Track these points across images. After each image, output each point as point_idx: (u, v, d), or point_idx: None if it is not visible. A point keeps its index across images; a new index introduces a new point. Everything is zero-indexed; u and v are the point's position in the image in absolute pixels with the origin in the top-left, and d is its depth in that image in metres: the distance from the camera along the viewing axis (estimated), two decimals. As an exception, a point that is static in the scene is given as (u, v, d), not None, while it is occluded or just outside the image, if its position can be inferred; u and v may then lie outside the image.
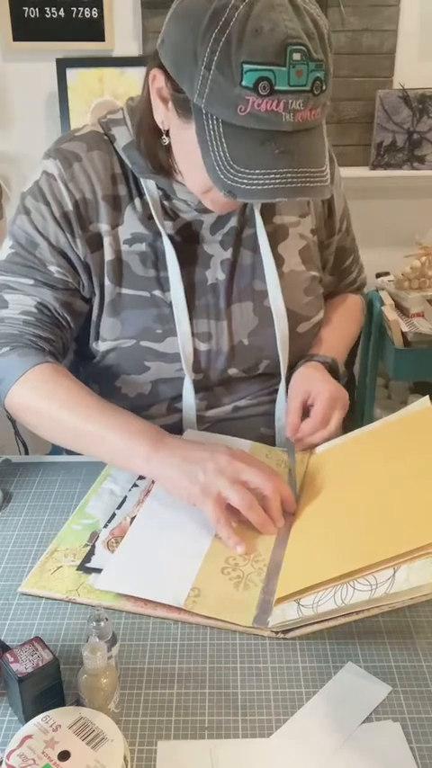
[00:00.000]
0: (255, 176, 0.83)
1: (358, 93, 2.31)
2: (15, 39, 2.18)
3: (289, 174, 0.83)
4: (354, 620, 0.74)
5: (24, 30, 2.17)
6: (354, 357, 2.55)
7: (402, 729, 0.67)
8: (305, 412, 1.07)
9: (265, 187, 0.83)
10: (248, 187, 0.83)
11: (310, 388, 1.06)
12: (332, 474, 0.97)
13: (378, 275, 2.31)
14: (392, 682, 0.72)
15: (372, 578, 0.71)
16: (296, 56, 0.79)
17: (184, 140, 0.90)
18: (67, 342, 1.10)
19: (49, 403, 0.98)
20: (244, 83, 0.79)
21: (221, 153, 0.84)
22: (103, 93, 2.20)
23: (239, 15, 0.78)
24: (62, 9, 2.15)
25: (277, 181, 0.83)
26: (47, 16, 2.16)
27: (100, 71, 2.19)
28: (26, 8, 2.15)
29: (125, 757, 0.60)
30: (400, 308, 2.19)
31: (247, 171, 0.83)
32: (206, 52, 0.80)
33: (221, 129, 0.83)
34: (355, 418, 2.45)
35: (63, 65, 2.18)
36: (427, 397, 1.01)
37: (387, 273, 2.31)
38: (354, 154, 2.35)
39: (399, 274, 2.21)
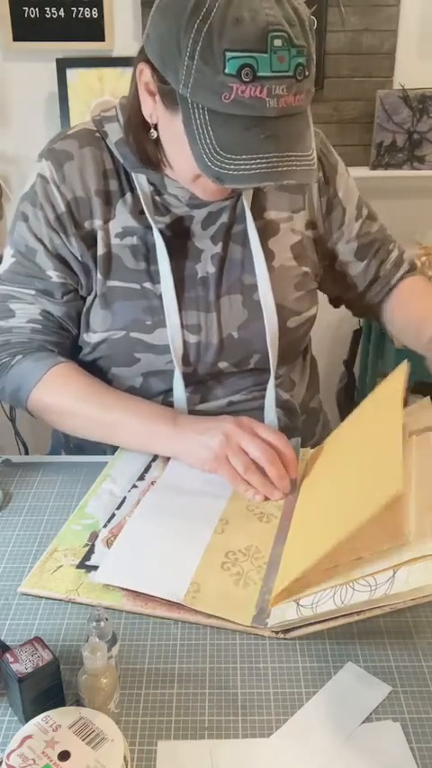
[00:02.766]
0: (241, 162, 0.84)
1: (358, 93, 2.31)
2: (15, 39, 2.17)
3: (275, 159, 0.84)
4: (354, 621, 0.74)
5: (24, 30, 2.17)
6: (354, 357, 2.55)
7: (402, 729, 0.67)
8: None
9: (252, 172, 0.84)
10: (235, 173, 0.85)
11: None
12: (327, 468, 0.97)
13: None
14: (392, 682, 0.72)
15: (371, 579, 0.71)
16: (277, 42, 0.80)
17: (171, 132, 0.92)
18: (73, 341, 1.13)
19: (69, 400, 1.05)
20: (227, 70, 0.80)
21: (208, 141, 0.85)
22: (103, 93, 2.20)
23: (220, 4, 0.80)
24: (62, 9, 2.15)
25: (263, 165, 0.84)
26: (47, 16, 2.16)
27: (100, 71, 2.19)
28: (26, 8, 2.15)
29: (125, 757, 0.60)
30: (400, 307, 2.19)
31: (234, 157, 0.84)
32: (189, 42, 0.81)
33: (207, 118, 0.85)
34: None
35: (63, 65, 2.18)
36: (428, 397, 1.01)
37: (387, 273, 2.31)
38: (354, 154, 2.35)
39: (399, 274, 2.21)
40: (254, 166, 0.84)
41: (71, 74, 2.19)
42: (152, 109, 0.94)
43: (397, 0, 2.22)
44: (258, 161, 0.84)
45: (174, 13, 0.83)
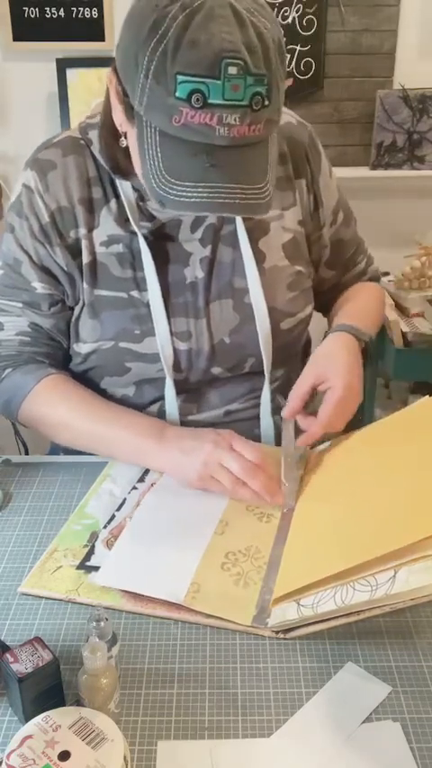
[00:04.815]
0: (184, 188, 0.82)
1: (358, 93, 2.31)
2: (15, 39, 2.17)
3: (218, 189, 0.82)
4: (354, 621, 0.74)
5: (24, 30, 2.17)
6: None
7: (402, 729, 0.67)
8: (311, 397, 1.02)
9: (193, 200, 0.82)
10: (177, 198, 0.83)
11: (326, 375, 1.00)
12: (332, 470, 0.97)
13: (378, 275, 2.31)
14: (392, 682, 0.72)
15: (372, 579, 0.71)
16: (232, 69, 0.77)
17: (133, 144, 0.90)
18: (65, 351, 1.13)
19: (59, 413, 1.05)
20: (178, 94, 0.78)
21: (156, 162, 0.84)
22: (102, 93, 2.20)
23: (178, 25, 0.77)
24: (62, 9, 2.15)
25: (205, 195, 0.82)
26: (47, 16, 2.16)
27: (100, 71, 2.19)
28: (26, 8, 2.15)
29: (125, 757, 0.60)
30: (400, 308, 2.19)
31: (178, 182, 0.83)
32: (145, 60, 0.79)
33: (158, 138, 0.83)
34: (355, 418, 2.45)
35: (63, 65, 2.18)
36: (428, 396, 1.01)
37: (387, 273, 2.31)
38: (354, 154, 2.36)
39: (399, 274, 2.21)
40: (195, 194, 0.82)
41: (71, 74, 2.19)
42: (121, 118, 0.91)
43: (397, 0, 2.22)
44: (201, 189, 0.82)
45: (135, 27, 0.81)
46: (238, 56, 0.77)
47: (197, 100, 0.78)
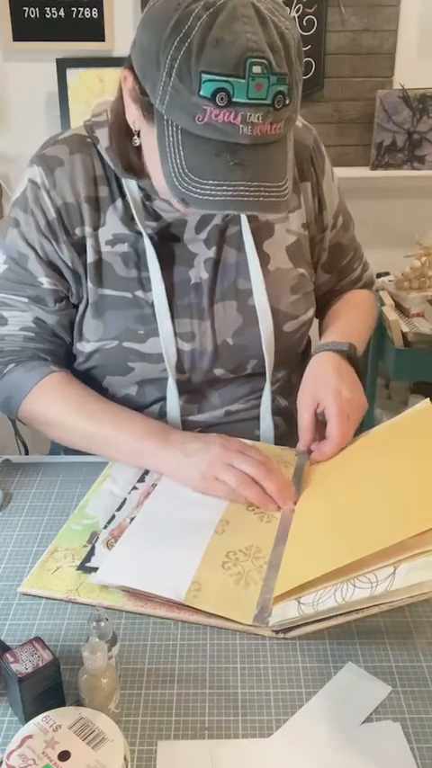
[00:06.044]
0: (207, 187, 0.83)
1: (358, 93, 2.31)
2: (15, 39, 2.18)
3: (241, 187, 0.82)
4: (354, 620, 0.74)
5: (24, 30, 2.17)
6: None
7: (402, 729, 0.67)
8: (318, 418, 1.04)
9: (216, 198, 0.83)
10: (200, 197, 0.83)
11: (319, 398, 1.02)
12: (332, 471, 0.97)
13: (378, 275, 2.31)
14: (392, 682, 0.72)
15: (372, 576, 0.71)
16: (256, 69, 0.78)
17: (149, 143, 0.90)
18: (68, 348, 1.13)
19: (59, 412, 1.05)
20: (202, 92, 0.78)
21: (178, 160, 0.84)
22: (103, 93, 2.20)
23: (201, 25, 0.78)
24: (62, 9, 2.16)
25: (229, 193, 0.82)
26: (47, 16, 2.16)
27: (100, 71, 2.19)
28: (26, 8, 2.15)
29: (125, 757, 0.60)
30: (400, 308, 2.19)
31: (201, 180, 0.83)
32: (167, 59, 0.79)
33: (180, 137, 0.83)
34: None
35: (63, 65, 2.18)
36: (428, 399, 1.01)
37: (387, 273, 2.31)
38: (354, 154, 2.36)
39: (399, 274, 2.21)
40: (219, 193, 0.82)
41: (71, 74, 2.19)
42: (135, 116, 0.92)
43: (397, 0, 2.22)
44: (225, 188, 0.82)
45: (156, 26, 0.81)
46: (263, 55, 0.78)
47: (221, 98, 0.78)
